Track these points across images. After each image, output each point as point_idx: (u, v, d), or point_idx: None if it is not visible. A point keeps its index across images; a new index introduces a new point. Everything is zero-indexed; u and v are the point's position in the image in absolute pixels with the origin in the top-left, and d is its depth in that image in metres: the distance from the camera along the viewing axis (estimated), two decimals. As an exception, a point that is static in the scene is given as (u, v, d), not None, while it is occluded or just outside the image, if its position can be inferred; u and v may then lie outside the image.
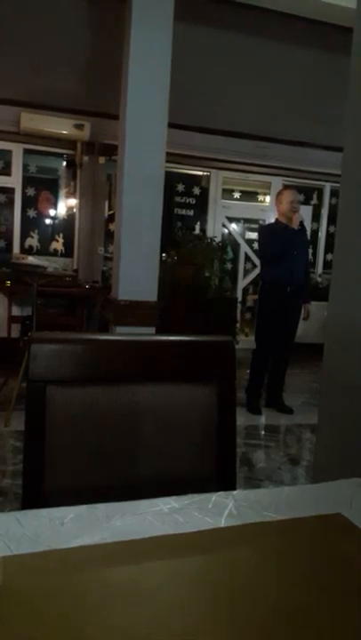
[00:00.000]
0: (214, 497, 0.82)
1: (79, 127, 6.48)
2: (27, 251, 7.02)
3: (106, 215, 7.10)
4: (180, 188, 7.48)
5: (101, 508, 0.76)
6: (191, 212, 7.58)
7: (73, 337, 1.04)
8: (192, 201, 7.56)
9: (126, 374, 1.03)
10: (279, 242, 4.09)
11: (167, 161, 3.87)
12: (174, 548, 0.69)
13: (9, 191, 6.90)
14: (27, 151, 6.90)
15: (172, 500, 0.80)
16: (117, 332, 3.82)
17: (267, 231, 4.49)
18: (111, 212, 6.88)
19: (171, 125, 3.75)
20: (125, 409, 1.02)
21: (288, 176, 7.56)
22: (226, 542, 0.71)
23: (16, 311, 6.25)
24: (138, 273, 3.80)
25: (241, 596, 0.60)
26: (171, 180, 6.81)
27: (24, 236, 7.03)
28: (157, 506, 0.78)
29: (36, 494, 0.98)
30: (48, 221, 7.18)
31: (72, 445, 1.01)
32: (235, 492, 0.85)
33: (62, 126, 6.42)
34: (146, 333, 1.12)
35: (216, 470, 1.06)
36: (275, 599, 0.60)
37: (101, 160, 6.84)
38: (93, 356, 1.02)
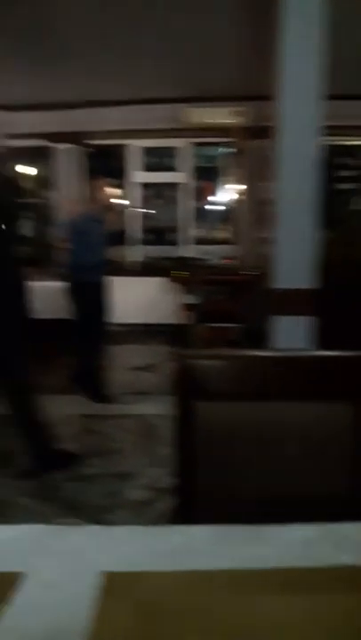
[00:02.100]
0: (353, 528, 0.82)
1: (239, 113, 6.50)
2: (194, 241, 7.32)
3: (270, 198, 7.01)
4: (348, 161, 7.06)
5: (238, 531, 0.81)
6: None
7: (221, 353, 1.10)
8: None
9: (274, 391, 1.06)
10: None
11: (329, 134, 3.67)
12: (305, 584, 0.71)
13: (175, 186, 7.25)
14: (191, 144, 7.15)
15: (308, 529, 0.81)
16: (276, 324, 3.80)
17: None
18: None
19: (331, 97, 3.55)
20: (272, 426, 1.05)
21: None
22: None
23: (187, 299, 6.57)
24: (294, 260, 3.71)
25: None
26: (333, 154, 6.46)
27: (192, 227, 7.33)
28: (292, 533, 0.80)
29: (187, 505, 1.07)
30: (212, 211, 7.38)
31: (220, 460, 1.07)
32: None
33: (223, 115, 6.51)
34: (299, 349, 1.12)
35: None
36: None
37: (263, 143, 6.76)
38: (241, 372, 1.07)
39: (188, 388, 1.05)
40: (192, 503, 1.07)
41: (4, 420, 3.68)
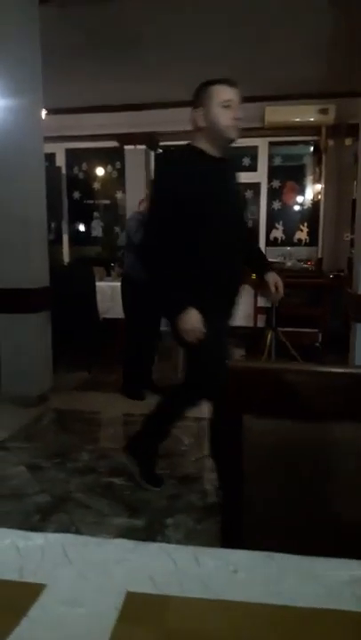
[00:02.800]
0: None
1: (324, 112, 6.28)
2: (272, 242, 7.17)
3: (354, 199, 6.73)
4: None
5: (278, 560, 0.74)
6: None
7: (269, 366, 1.03)
8: None
9: (324, 409, 0.97)
10: None
11: None
12: (345, 628, 0.63)
13: (255, 186, 7.13)
14: (271, 144, 7.01)
15: (356, 566, 0.72)
16: (358, 331, 3.61)
17: None
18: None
19: None
20: (321, 445, 0.97)
21: None
22: None
23: (261, 302, 6.44)
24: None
25: None
26: None
27: (269, 227, 7.19)
28: (338, 569, 0.72)
29: (232, 522, 1.00)
30: (293, 211, 7.19)
31: (267, 478, 1.00)
32: None
33: (307, 114, 6.31)
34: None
35: None
36: None
37: (348, 142, 6.50)
38: (291, 387, 0.99)
39: (236, 400, 0.99)
40: (237, 520, 1.01)
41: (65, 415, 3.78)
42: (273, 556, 0.75)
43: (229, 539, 1.03)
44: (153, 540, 2.29)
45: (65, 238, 7.66)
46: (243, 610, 0.65)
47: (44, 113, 4.08)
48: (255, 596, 0.67)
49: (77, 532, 2.34)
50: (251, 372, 1.01)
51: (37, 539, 0.77)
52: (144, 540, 2.31)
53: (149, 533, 2.34)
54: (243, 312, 6.62)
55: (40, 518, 2.45)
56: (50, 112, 5.50)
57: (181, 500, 2.64)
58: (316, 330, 5.83)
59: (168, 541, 2.28)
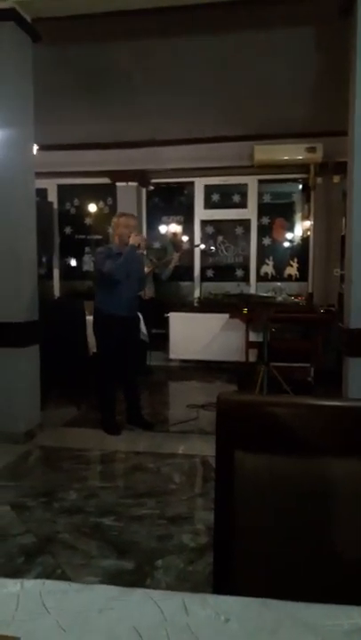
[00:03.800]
0: None
1: (311, 150, 6.42)
2: (262, 278, 7.21)
3: (343, 235, 6.82)
4: None
5: (272, 608, 0.69)
6: None
7: (260, 400, 1.00)
8: None
9: (319, 444, 0.93)
10: None
11: None
12: None
13: (245, 222, 7.22)
14: (261, 181, 7.13)
15: (356, 614, 0.67)
16: (350, 366, 3.59)
17: None
18: (346, 232, 6.58)
19: None
20: (316, 483, 0.92)
21: None
22: None
23: (253, 337, 6.43)
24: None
25: None
26: None
27: (260, 263, 7.24)
28: (337, 618, 0.67)
29: (224, 561, 0.95)
30: (282, 247, 7.27)
31: (260, 516, 0.95)
32: None
33: (294, 152, 6.45)
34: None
35: None
36: None
37: (336, 179, 6.64)
38: (283, 421, 0.95)
39: (227, 436, 0.95)
40: (229, 560, 0.95)
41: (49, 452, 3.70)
42: (267, 604, 0.70)
43: (221, 579, 0.97)
44: (142, 582, 2.19)
45: (56, 273, 7.66)
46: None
47: (35, 148, 4.12)
48: (249, 648, 0.62)
49: (63, 574, 2.23)
50: (241, 406, 0.97)
51: (12, 586, 0.71)
52: (133, 582, 2.21)
53: (139, 576, 2.24)
54: (234, 347, 6.61)
55: (24, 560, 2.33)
56: (42, 148, 5.58)
57: (172, 541, 2.54)
58: (308, 364, 5.80)
59: (158, 584, 2.18)
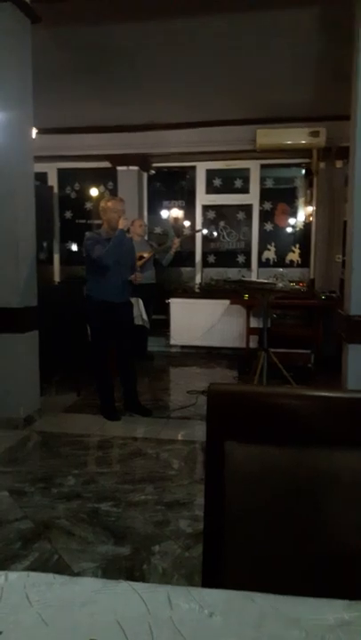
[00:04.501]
0: None
1: (315, 134, 6.33)
2: (264, 264, 7.17)
3: (346, 221, 6.76)
4: None
5: (258, 601, 0.68)
6: None
7: (252, 390, 0.98)
8: None
9: (311, 435, 0.92)
10: None
11: None
12: None
13: (247, 207, 7.16)
14: (263, 166, 7.06)
15: (341, 608, 0.67)
16: (350, 353, 3.57)
17: None
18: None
19: None
20: (307, 474, 0.91)
21: None
22: None
23: (253, 323, 6.42)
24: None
25: None
26: None
27: (261, 249, 7.20)
28: (323, 612, 0.66)
29: (214, 553, 0.94)
30: (285, 233, 7.22)
31: (250, 508, 0.94)
32: None
33: (298, 136, 6.36)
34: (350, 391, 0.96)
35: None
36: None
37: (339, 164, 6.56)
38: (275, 411, 0.94)
39: (218, 425, 0.94)
40: (219, 552, 0.94)
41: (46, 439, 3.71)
42: (253, 597, 0.69)
43: (210, 572, 0.96)
44: (139, 568, 2.20)
45: (56, 258, 7.63)
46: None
47: (34, 131, 4.07)
48: (230, 643, 0.61)
49: (60, 560, 2.25)
50: (232, 396, 0.95)
51: (-6, 578, 0.71)
52: (130, 568, 2.22)
53: (135, 562, 2.25)
54: (235, 333, 6.60)
55: (21, 546, 2.35)
56: (42, 132, 5.53)
57: (169, 527, 2.55)
58: (308, 351, 5.79)
59: (154, 570, 2.19)
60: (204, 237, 7.26)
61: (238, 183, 7.14)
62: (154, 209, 7.46)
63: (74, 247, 7.67)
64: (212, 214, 7.29)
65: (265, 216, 7.12)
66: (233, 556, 0.94)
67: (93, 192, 7.49)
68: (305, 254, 7.07)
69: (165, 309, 6.82)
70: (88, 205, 7.55)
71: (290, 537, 0.91)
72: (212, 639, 0.62)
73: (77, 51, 4.54)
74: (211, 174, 7.17)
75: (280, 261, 7.14)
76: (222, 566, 0.95)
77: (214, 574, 0.95)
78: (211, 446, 0.95)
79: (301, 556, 0.90)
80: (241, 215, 7.19)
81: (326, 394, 0.96)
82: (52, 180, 7.48)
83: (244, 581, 0.84)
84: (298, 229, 7.16)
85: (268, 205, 7.11)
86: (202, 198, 7.23)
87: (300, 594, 0.70)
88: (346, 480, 0.91)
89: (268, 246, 7.15)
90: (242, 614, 0.66)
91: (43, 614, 0.65)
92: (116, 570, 2.18)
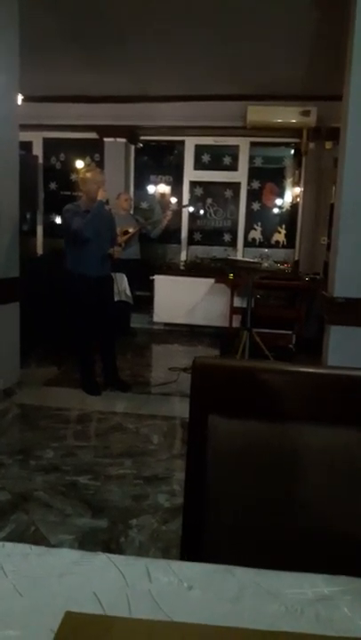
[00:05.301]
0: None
1: (305, 114, 6.27)
2: (249, 243, 7.14)
3: (332, 203, 6.74)
4: None
5: (237, 575, 0.68)
6: None
7: (237, 364, 0.97)
8: None
9: (295, 411, 0.91)
10: None
11: None
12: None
13: (235, 185, 7.09)
14: (253, 144, 6.97)
15: (321, 582, 0.66)
16: (331, 334, 3.59)
17: None
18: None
19: None
20: (290, 450, 0.91)
21: None
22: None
23: (237, 302, 6.41)
24: (358, 267, 3.49)
25: None
26: None
27: (248, 228, 7.16)
28: (302, 586, 0.66)
29: (194, 528, 0.94)
30: (271, 213, 7.18)
31: (233, 482, 0.93)
32: None
33: (288, 115, 6.29)
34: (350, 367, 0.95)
35: None
36: None
37: (328, 145, 6.51)
38: (259, 386, 0.93)
39: (202, 399, 0.92)
40: (199, 527, 0.94)
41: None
42: (232, 571, 0.68)
43: (190, 546, 0.96)
44: (116, 541, 2.21)
45: (39, 229, 7.50)
46: (195, 633, 0.58)
47: (20, 98, 3.95)
48: (210, 616, 0.60)
49: (37, 531, 2.25)
50: (217, 370, 0.94)
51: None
52: (107, 541, 2.22)
53: (112, 535, 2.27)
54: (218, 312, 6.60)
55: (-2, 517, 2.34)
56: (28, 99, 5.35)
57: (147, 501, 2.57)
58: (290, 332, 5.82)
59: (131, 543, 2.21)
60: (191, 215, 7.19)
61: (227, 160, 7.05)
62: (141, 183, 7.35)
63: (58, 219, 7.54)
64: (199, 191, 7.21)
65: (253, 195, 7.07)
66: (213, 530, 0.93)
67: (79, 164, 7.33)
68: (291, 235, 7.06)
69: (150, 286, 6.77)
70: (73, 177, 7.40)
71: (271, 511, 0.91)
72: (191, 612, 0.61)
73: (66, 15, 4.38)
74: (200, 150, 7.07)
75: (266, 242, 7.12)
76: (201, 540, 0.94)
77: (194, 548, 0.95)
78: (194, 419, 0.94)
79: (283, 530, 0.90)
80: (228, 193, 7.12)
81: (311, 370, 0.95)
82: (37, 150, 7.31)
83: (224, 555, 0.84)
84: (284, 210, 7.13)
85: (256, 184, 7.05)
86: (190, 174, 7.14)
87: (280, 568, 0.69)
88: (328, 455, 0.91)
89: (255, 226, 7.12)
90: (221, 588, 0.65)
91: (17, 585, 0.63)
92: (93, 542, 2.19)
